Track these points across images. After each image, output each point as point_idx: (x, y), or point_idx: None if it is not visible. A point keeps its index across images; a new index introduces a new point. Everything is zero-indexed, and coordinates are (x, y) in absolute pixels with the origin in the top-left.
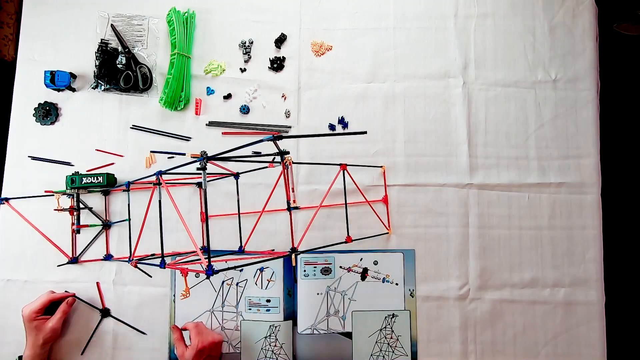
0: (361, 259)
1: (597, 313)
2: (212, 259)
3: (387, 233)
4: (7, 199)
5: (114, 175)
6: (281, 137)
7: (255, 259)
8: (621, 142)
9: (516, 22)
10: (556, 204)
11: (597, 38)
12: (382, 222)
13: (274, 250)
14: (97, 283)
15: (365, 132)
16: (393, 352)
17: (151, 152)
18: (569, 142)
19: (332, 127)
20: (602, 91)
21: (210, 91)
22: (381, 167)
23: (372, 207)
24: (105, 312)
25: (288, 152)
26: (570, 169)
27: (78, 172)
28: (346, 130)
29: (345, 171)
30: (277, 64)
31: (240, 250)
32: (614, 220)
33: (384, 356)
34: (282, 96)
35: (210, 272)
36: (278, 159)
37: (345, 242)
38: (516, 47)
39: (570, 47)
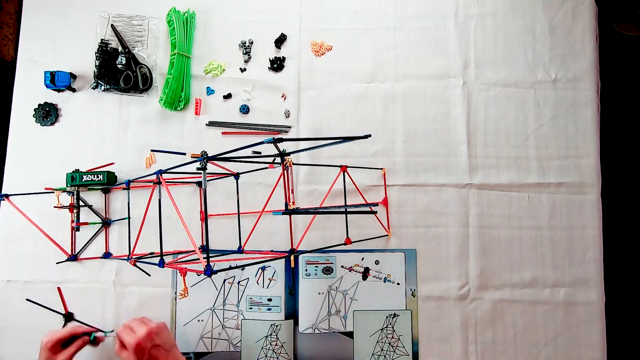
0: (363, 259)
1: (597, 313)
2: (211, 259)
3: (387, 235)
4: (7, 196)
5: (114, 173)
6: (282, 140)
7: (254, 259)
8: (621, 142)
9: (516, 22)
10: (556, 204)
11: (597, 38)
12: (381, 224)
13: (272, 250)
14: (58, 288)
15: (369, 136)
16: (394, 351)
17: (151, 151)
18: (569, 142)
19: None
20: (602, 91)
21: (210, 91)
22: (382, 169)
23: (372, 210)
24: (68, 317)
25: (289, 154)
26: (570, 169)
27: (78, 169)
28: (347, 135)
29: (345, 173)
30: (277, 64)
31: (240, 250)
32: (614, 220)
33: (385, 356)
34: (282, 96)
35: (208, 272)
36: (278, 160)
37: (345, 244)
38: (516, 47)
39: (570, 47)
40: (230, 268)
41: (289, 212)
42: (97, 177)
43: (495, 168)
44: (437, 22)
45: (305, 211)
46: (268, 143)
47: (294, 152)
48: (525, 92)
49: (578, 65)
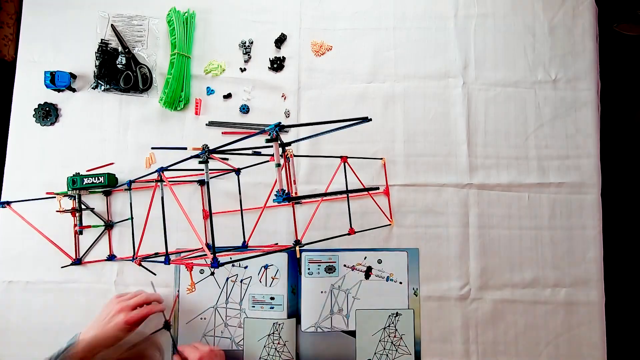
0: (365, 258)
1: (598, 313)
2: (217, 253)
3: (390, 225)
4: (8, 203)
5: (115, 175)
6: (284, 127)
7: (259, 252)
8: (621, 142)
9: (516, 22)
10: (556, 204)
11: (597, 38)
12: (383, 213)
13: (277, 243)
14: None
15: (370, 119)
16: (396, 350)
17: (152, 148)
18: (569, 142)
19: None
20: (602, 91)
21: (210, 91)
22: (381, 159)
23: (373, 199)
24: (166, 325)
25: (289, 144)
26: (570, 169)
27: (79, 172)
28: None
29: (346, 164)
30: (277, 64)
31: (244, 246)
32: (614, 220)
33: (387, 355)
34: (282, 96)
35: (215, 264)
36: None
37: (349, 234)
38: (516, 47)
39: (570, 47)
40: (236, 260)
41: (291, 198)
42: (98, 179)
43: (495, 168)
44: (437, 22)
45: (307, 196)
46: (270, 129)
47: (294, 142)
48: (525, 92)
49: (578, 65)
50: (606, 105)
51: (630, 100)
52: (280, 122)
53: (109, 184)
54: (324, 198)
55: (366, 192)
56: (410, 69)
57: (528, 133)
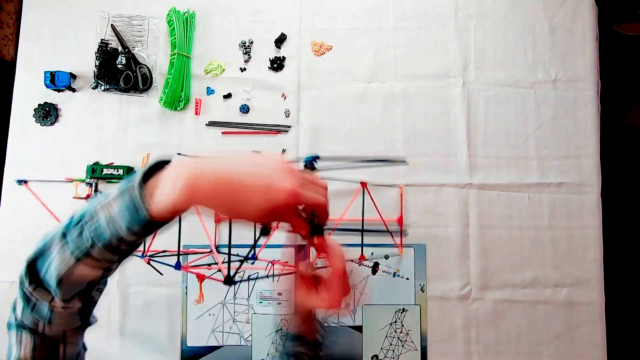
0: (372, 253)
1: (598, 313)
2: (230, 267)
3: (399, 255)
4: (25, 181)
5: (134, 168)
6: (318, 158)
7: (270, 270)
8: (621, 142)
9: (516, 22)
10: (556, 204)
11: (597, 38)
12: (395, 244)
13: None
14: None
15: (406, 163)
16: (403, 346)
17: (178, 154)
18: (569, 142)
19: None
20: (602, 91)
21: (210, 91)
22: (399, 187)
23: (387, 228)
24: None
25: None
26: (570, 169)
27: (98, 162)
28: (378, 158)
29: (365, 189)
30: (277, 64)
31: (254, 257)
32: (614, 220)
33: (393, 350)
34: (282, 96)
35: (229, 282)
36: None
37: (359, 260)
38: (516, 47)
39: (570, 47)
40: (250, 279)
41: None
42: (117, 171)
43: (495, 168)
44: (437, 22)
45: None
46: (307, 161)
47: (326, 170)
48: (525, 92)
49: (578, 65)
50: (606, 105)
51: (630, 100)
52: (318, 155)
53: None
54: (340, 223)
55: (384, 231)
56: (410, 69)
57: (528, 133)
